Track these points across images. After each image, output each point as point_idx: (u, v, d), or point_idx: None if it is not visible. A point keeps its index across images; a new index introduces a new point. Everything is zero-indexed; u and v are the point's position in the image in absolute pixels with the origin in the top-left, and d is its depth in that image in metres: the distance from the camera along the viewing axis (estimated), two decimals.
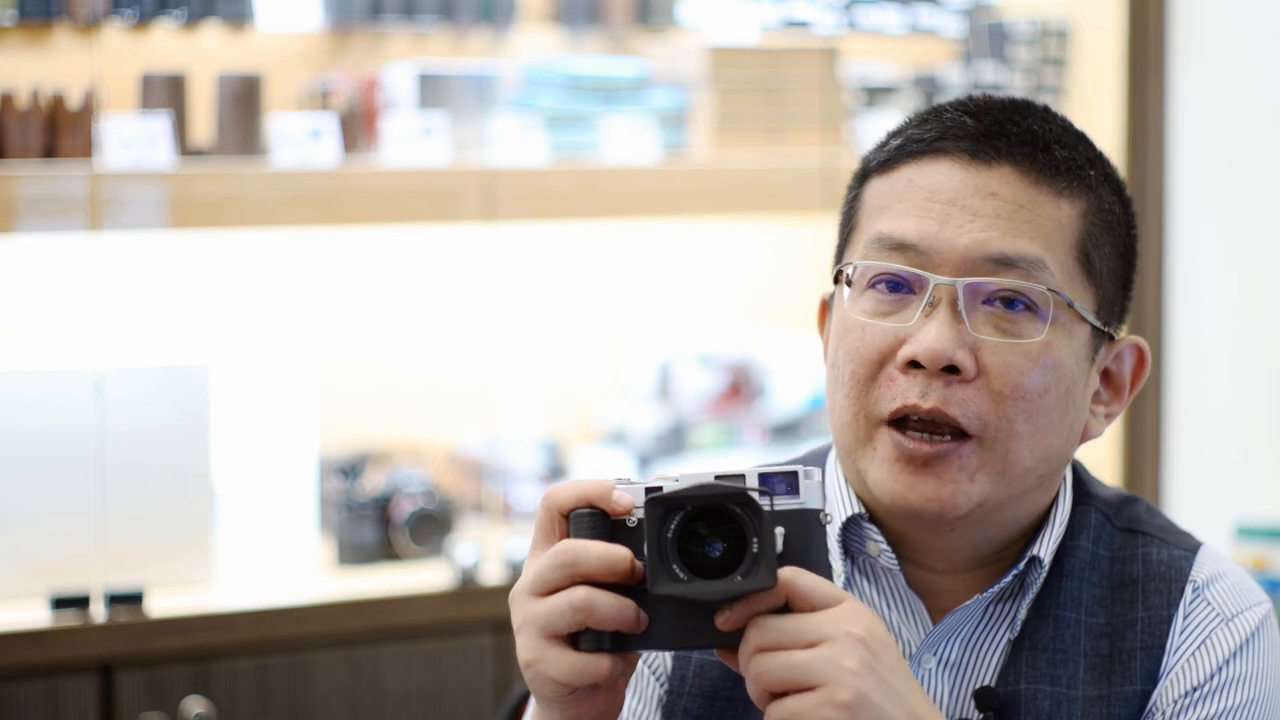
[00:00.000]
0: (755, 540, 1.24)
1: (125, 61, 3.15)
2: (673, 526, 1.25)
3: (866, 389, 1.47)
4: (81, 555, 2.92)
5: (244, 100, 3.12)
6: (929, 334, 1.44)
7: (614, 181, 3.33)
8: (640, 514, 1.29)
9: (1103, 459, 3.46)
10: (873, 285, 1.48)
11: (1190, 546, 1.55)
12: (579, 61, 3.42)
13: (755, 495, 1.25)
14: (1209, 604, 1.51)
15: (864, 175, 1.56)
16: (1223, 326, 3.40)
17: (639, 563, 1.29)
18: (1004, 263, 1.45)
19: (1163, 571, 1.52)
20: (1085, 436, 1.52)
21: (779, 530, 1.28)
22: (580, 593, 1.28)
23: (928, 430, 1.44)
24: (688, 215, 3.48)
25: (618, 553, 1.29)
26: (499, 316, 3.52)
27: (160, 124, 3.01)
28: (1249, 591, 1.54)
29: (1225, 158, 3.42)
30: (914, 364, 1.44)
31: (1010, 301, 1.45)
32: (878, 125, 3.54)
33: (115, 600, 2.89)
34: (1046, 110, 1.53)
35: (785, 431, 3.67)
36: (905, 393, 1.44)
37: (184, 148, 3.08)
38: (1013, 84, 3.62)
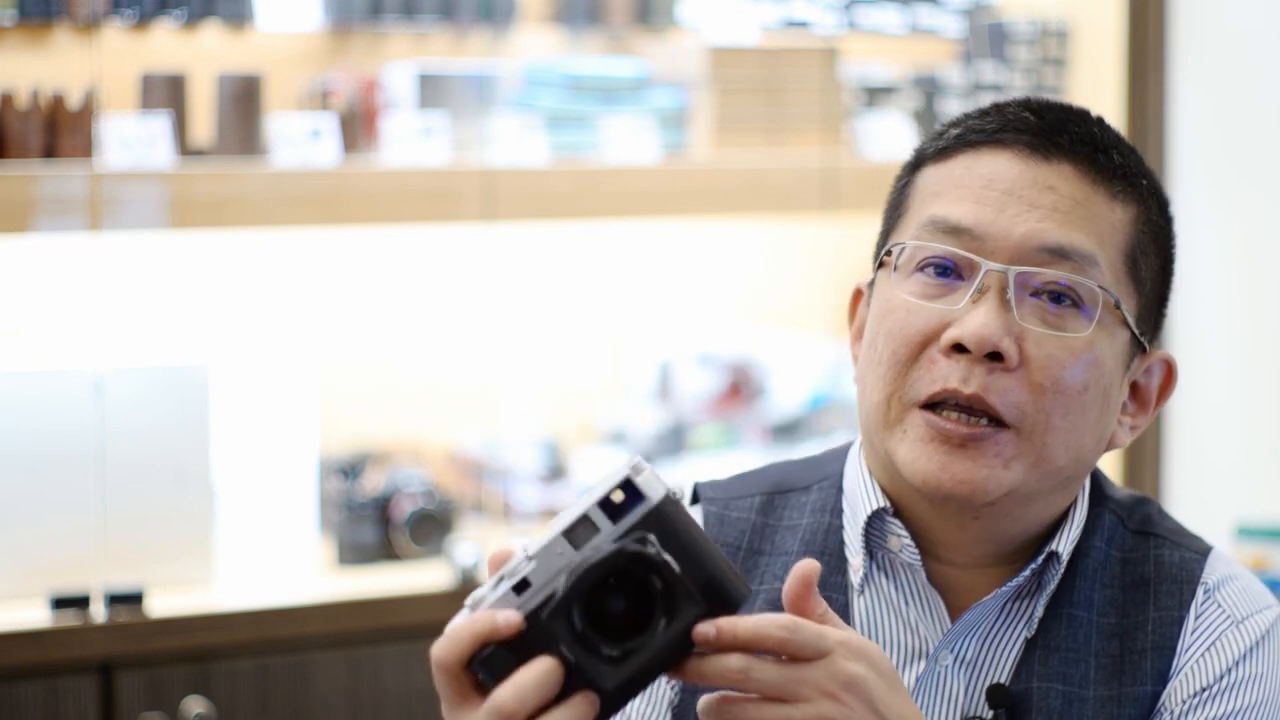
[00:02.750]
0: (656, 579, 1.20)
1: (125, 61, 3.15)
2: (576, 620, 1.19)
3: (905, 370, 1.46)
4: (81, 555, 2.92)
5: (244, 100, 3.12)
6: (977, 319, 1.43)
7: (614, 181, 3.33)
8: (535, 600, 1.21)
9: (1103, 458, 3.46)
10: (921, 268, 1.48)
11: (1202, 549, 1.56)
12: (579, 61, 3.42)
13: (631, 548, 1.20)
14: (1220, 606, 1.52)
15: (917, 163, 1.55)
16: (1223, 326, 3.40)
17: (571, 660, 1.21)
18: (1058, 254, 1.45)
19: (1174, 573, 1.53)
20: (1111, 445, 1.53)
21: (650, 538, 1.22)
22: None
23: (965, 414, 1.44)
24: (688, 215, 3.48)
25: (545, 672, 1.21)
26: (499, 316, 3.52)
27: (160, 124, 3.01)
28: (1260, 595, 1.55)
29: (1225, 158, 3.42)
30: (958, 348, 1.43)
31: (1058, 297, 1.45)
32: (878, 125, 3.54)
33: (115, 600, 2.89)
34: (1102, 119, 1.55)
35: (785, 431, 3.67)
36: (946, 376, 1.44)
37: (184, 148, 3.08)
38: (1013, 84, 3.62)
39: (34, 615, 2.86)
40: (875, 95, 3.62)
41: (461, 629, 1.22)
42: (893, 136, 3.52)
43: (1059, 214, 1.46)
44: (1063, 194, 1.47)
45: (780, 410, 3.70)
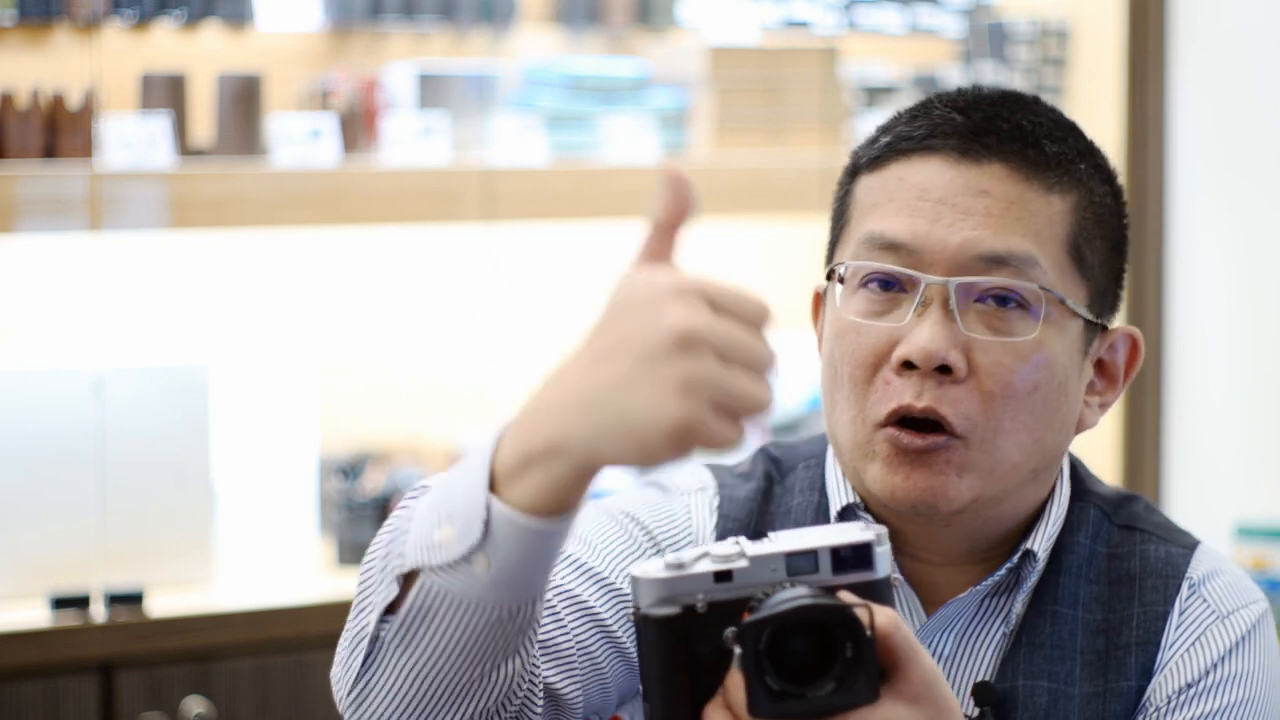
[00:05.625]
0: (849, 645, 1.21)
1: (125, 61, 3.15)
2: (763, 639, 1.20)
3: (864, 392, 1.47)
4: (81, 555, 2.92)
5: (244, 100, 3.12)
6: (922, 334, 1.44)
7: (614, 181, 3.33)
8: (706, 598, 1.24)
9: (1103, 458, 3.46)
10: (865, 284, 1.48)
11: (1188, 544, 1.55)
12: (579, 61, 3.42)
13: (854, 612, 1.21)
14: (1205, 601, 1.51)
15: (854, 171, 1.54)
16: (1223, 326, 3.40)
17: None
18: (996, 261, 1.45)
19: (1160, 568, 1.52)
20: (1080, 427, 1.52)
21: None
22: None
23: (920, 428, 1.45)
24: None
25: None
26: (499, 316, 3.52)
27: (160, 124, 3.02)
28: (1246, 589, 1.54)
29: (1225, 158, 3.42)
30: (908, 365, 1.44)
31: (1002, 299, 1.45)
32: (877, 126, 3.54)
33: (115, 600, 2.89)
34: (1036, 102, 1.53)
35: (785, 432, 3.67)
36: (901, 394, 1.44)
37: (184, 148, 3.08)
38: (1013, 84, 3.62)
39: (34, 615, 2.86)
40: (875, 95, 3.62)
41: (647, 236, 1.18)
42: None
43: (993, 219, 1.46)
44: (996, 197, 1.46)
45: (780, 410, 3.70)
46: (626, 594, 1.47)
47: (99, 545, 2.93)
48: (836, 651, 1.21)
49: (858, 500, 1.52)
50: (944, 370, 1.44)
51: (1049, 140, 1.49)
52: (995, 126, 1.48)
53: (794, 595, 1.22)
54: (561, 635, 1.42)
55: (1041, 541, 1.51)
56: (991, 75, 3.63)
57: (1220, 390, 3.42)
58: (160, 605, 2.92)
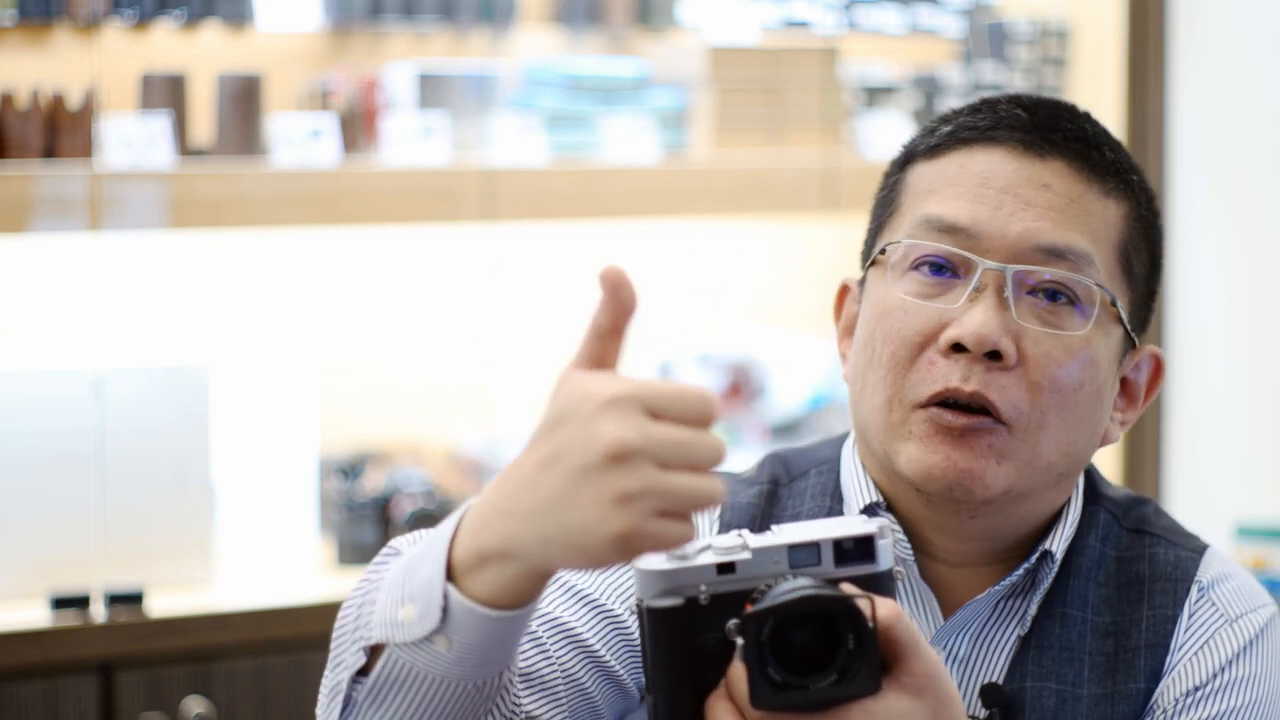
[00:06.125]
0: (851, 637, 1.21)
1: (125, 61, 3.15)
2: (765, 630, 1.21)
3: (905, 371, 1.46)
4: (81, 555, 2.92)
5: (244, 100, 3.12)
6: (975, 318, 1.43)
7: (614, 181, 3.33)
8: (708, 590, 1.25)
9: (1103, 457, 3.46)
10: (915, 267, 1.48)
11: (1197, 548, 1.56)
12: (579, 61, 3.42)
13: (855, 603, 1.21)
14: (1214, 604, 1.51)
15: (907, 160, 1.54)
16: (1223, 326, 3.40)
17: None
18: (1054, 254, 1.45)
19: (1169, 572, 1.53)
20: (1104, 441, 1.53)
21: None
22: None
23: (965, 411, 1.44)
24: (688, 215, 3.48)
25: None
26: (499, 316, 3.52)
27: (160, 124, 3.01)
28: (1255, 594, 1.54)
29: (1225, 158, 3.42)
30: (957, 347, 1.44)
31: (1053, 294, 1.46)
32: (878, 125, 3.54)
33: (115, 600, 2.89)
34: (1090, 115, 1.55)
35: (785, 431, 3.67)
36: (947, 376, 1.44)
37: (184, 148, 3.08)
38: (1013, 84, 3.62)
39: (34, 615, 2.86)
40: (875, 95, 3.62)
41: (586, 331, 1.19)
42: (893, 137, 3.52)
43: (1054, 212, 1.46)
44: (1057, 192, 1.47)
45: (780, 410, 3.70)
46: (619, 615, 1.47)
47: (99, 545, 2.93)
48: (839, 643, 1.21)
49: (880, 499, 1.51)
50: (993, 356, 1.43)
51: (1107, 148, 1.51)
52: (1059, 125, 1.50)
53: (796, 586, 1.22)
54: (545, 664, 1.41)
55: (1060, 543, 1.51)
56: (991, 75, 3.63)
57: (1220, 390, 3.42)
58: (160, 605, 2.92)
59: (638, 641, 1.37)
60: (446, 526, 1.20)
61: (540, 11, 3.50)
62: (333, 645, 1.28)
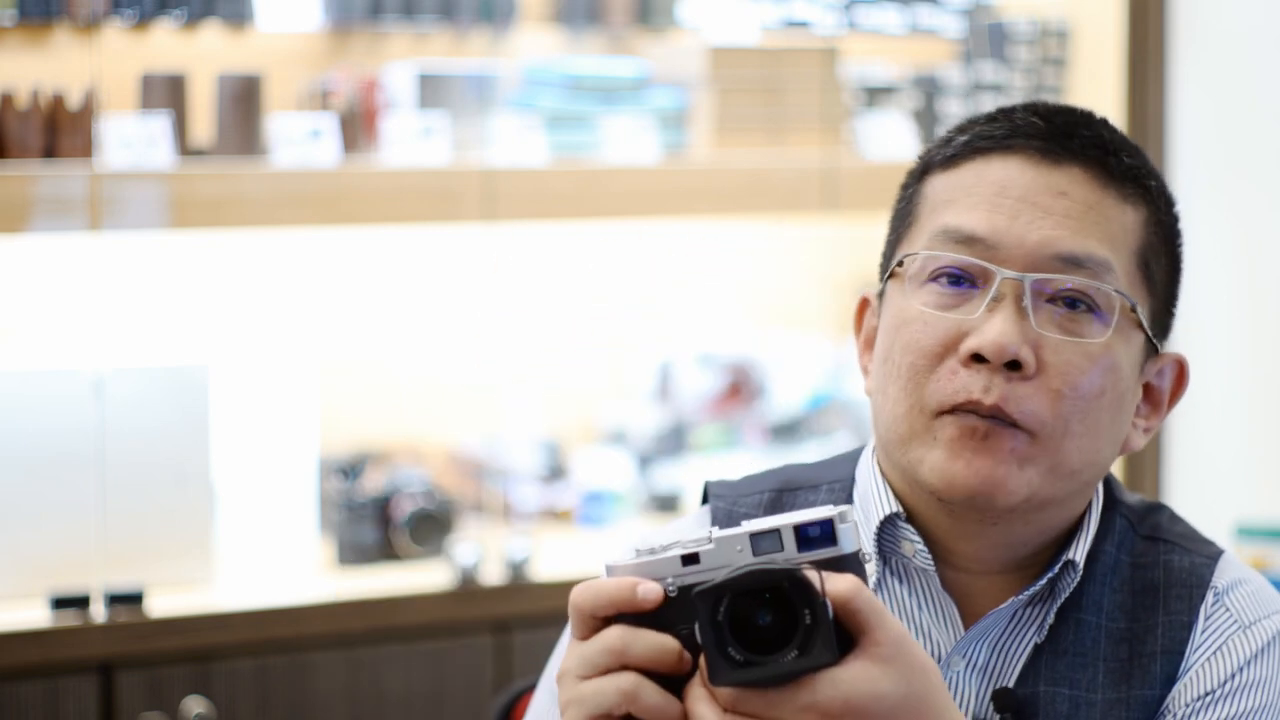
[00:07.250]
0: (807, 612, 1.22)
1: (125, 61, 3.15)
2: (721, 610, 1.22)
3: (924, 381, 1.45)
4: (81, 555, 2.92)
5: (244, 100, 3.12)
6: (994, 328, 1.43)
7: (614, 181, 3.33)
8: (674, 582, 1.26)
9: None
10: (934, 278, 1.47)
11: (1212, 554, 1.56)
12: (579, 61, 3.42)
13: (803, 574, 1.23)
14: (1228, 610, 1.51)
15: (924, 170, 1.54)
16: (1223, 326, 3.40)
17: (686, 654, 1.25)
18: (1073, 262, 1.45)
19: (1184, 578, 1.53)
20: (1125, 448, 1.52)
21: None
22: (629, 679, 1.24)
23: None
24: (688, 215, 3.48)
25: (667, 645, 1.24)
26: (499, 316, 3.52)
27: (160, 124, 3.01)
28: (1270, 600, 1.54)
29: (1225, 158, 3.42)
30: (976, 357, 1.43)
31: (1073, 302, 1.45)
32: (878, 125, 3.54)
33: (115, 600, 2.89)
34: (1107, 121, 1.54)
35: (785, 431, 3.67)
36: (968, 387, 1.43)
37: (184, 148, 3.08)
38: (1013, 84, 3.62)
39: (34, 615, 2.86)
40: (875, 95, 3.62)
41: (605, 588, 1.24)
42: (893, 137, 3.52)
43: (1072, 220, 1.46)
44: (1075, 199, 1.47)
45: (780, 410, 3.70)
46: None
47: (99, 545, 2.93)
48: (798, 620, 1.22)
49: (900, 510, 1.51)
50: (1013, 366, 1.43)
51: (1125, 154, 1.51)
52: (1076, 132, 1.49)
53: (746, 564, 1.24)
54: None
55: (1081, 552, 1.51)
56: (991, 75, 3.63)
57: (1220, 391, 3.42)
58: (160, 605, 2.92)
59: None
60: None
61: (540, 11, 3.50)
62: None
